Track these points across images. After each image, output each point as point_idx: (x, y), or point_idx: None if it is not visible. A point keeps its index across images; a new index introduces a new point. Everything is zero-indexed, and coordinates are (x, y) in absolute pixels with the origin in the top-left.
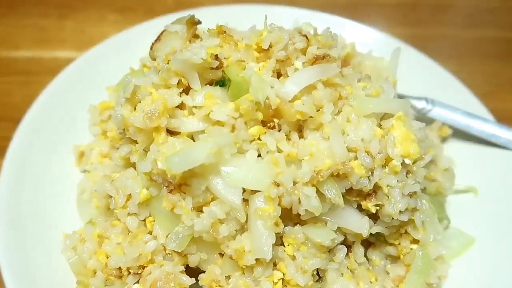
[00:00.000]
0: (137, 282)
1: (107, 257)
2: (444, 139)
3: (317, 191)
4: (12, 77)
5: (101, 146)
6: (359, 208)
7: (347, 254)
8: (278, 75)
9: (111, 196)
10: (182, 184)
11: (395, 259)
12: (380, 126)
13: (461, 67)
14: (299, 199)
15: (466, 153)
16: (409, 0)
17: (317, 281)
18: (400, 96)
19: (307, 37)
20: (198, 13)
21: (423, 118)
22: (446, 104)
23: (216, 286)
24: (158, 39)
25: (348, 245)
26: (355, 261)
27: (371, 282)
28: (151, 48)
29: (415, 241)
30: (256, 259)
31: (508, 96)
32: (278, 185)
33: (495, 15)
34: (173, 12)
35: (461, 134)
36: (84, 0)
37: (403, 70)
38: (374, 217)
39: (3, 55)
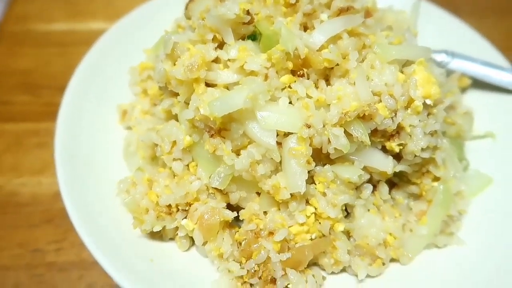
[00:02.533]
0: (185, 217)
1: (158, 197)
2: (463, 90)
3: (345, 132)
4: (50, 48)
5: (142, 104)
6: (384, 150)
7: (372, 192)
8: (305, 29)
9: (156, 145)
10: (222, 129)
11: (417, 197)
12: (402, 72)
13: (481, 24)
14: (328, 139)
15: (484, 101)
16: None
17: (345, 216)
18: None
19: None
20: None
21: (445, 72)
22: (465, 55)
23: (255, 218)
24: None
25: (373, 184)
26: (381, 198)
27: (395, 217)
28: (186, 8)
29: (436, 179)
30: (291, 194)
31: None
32: (309, 127)
33: None
34: None
35: (480, 84)
36: None
37: (423, 25)
38: (398, 158)
39: (40, 28)
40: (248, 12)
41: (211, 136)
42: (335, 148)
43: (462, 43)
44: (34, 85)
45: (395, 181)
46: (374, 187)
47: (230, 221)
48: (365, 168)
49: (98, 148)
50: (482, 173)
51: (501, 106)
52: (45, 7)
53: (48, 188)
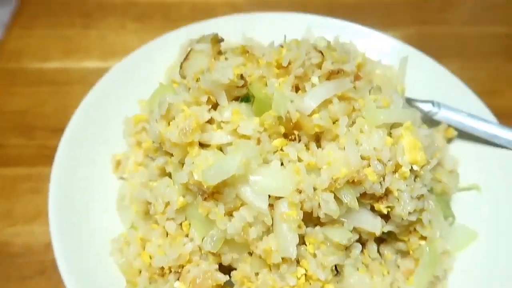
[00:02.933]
0: (178, 279)
1: (151, 258)
2: (449, 140)
3: (335, 196)
4: (44, 87)
5: (136, 155)
6: (372, 209)
7: (361, 250)
8: (297, 88)
9: (149, 203)
10: (215, 192)
11: (405, 253)
12: (390, 134)
13: (466, 65)
14: (319, 204)
15: (470, 153)
16: None
17: (335, 275)
18: (408, 100)
19: (322, 53)
20: (215, 22)
21: (430, 120)
22: (451, 107)
23: (247, 281)
24: (186, 58)
25: (362, 242)
26: (369, 256)
27: (383, 275)
28: (180, 67)
29: (423, 238)
30: (282, 258)
31: (511, 94)
32: (300, 192)
33: (499, 11)
34: (189, 19)
35: (465, 135)
36: (104, 9)
37: (411, 74)
38: (386, 217)
39: (34, 66)
40: (241, 77)
41: (205, 199)
42: (325, 213)
43: (448, 92)
44: (27, 126)
45: (384, 237)
46: (363, 244)
47: (222, 284)
48: (354, 229)
49: (92, 199)
50: (468, 228)
51: (486, 158)
52: (40, 44)
53: (41, 237)
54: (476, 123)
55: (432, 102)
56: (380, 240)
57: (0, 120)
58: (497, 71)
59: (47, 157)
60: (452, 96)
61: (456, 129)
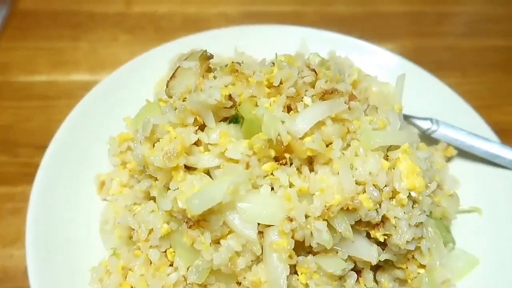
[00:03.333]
0: None
1: None
2: (449, 159)
3: (328, 225)
4: (31, 102)
5: (121, 176)
6: (368, 236)
7: (357, 279)
8: (288, 109)
9: (133, 229)
10: (200, 220)
11: (403, 282)
12: (387, 157)
13: (465, 79)
14: (311, 232)
15: (470, 173)
16: (412, 11)
17: None
18: (406, 117)
19: (315, 71)
20: (207, 35)
21: (429, 138)
22: (451, 125)
23: None
24: (173, 76)
25: (358, 270)
26: (365, 285)
27: None
28: (167, 86)
29: (422, 266)
30: None
31: (510, 107)
32: (291, 220)
33: (498, 23)
34: (181, 31)
35: (466, 154)
36: (95, 20)
37: (408, 89)
38: (383, 244)
39: (21, 79)
40: (230, 97)
41: (190, 227)
42: (318, 243)
43: (447, 108)
44: (12, 143)
45: (380, 264)
46: (359, 273)
47: None
48: (349, 257)
49: (74, 222)
50: (468, 253)
51: (487, 179)
52: (27, 55)
53: (20, 262)
54: (476, 141)
55: (431, 120)
56: (377, 267)
57: None
58: (496, 85)
59: (30, 176)
60: (451, 112)
61: (455, 147)
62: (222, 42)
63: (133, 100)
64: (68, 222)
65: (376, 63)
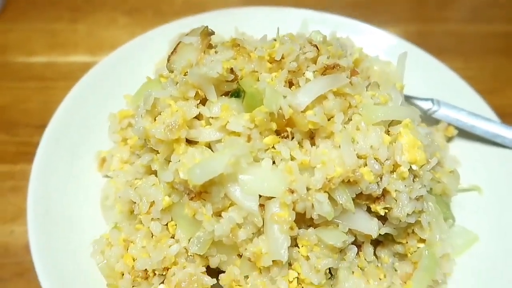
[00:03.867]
0: (162, 282)
1: (134, 260)
2: (449, 139)
3: (329, 197)
4: (29, 82)
5: (122, 152)
6: (369, 210)
7: (357, 253)
8: (290, 84)
9: (134, 202)
10: (202, 192)
11: (402, 256)
12: (388, 132)
13: (467, 64)
14: (312, 204)
15: (471, 152)
16: None
17: (329, 279)
18: (407, 98)
19: (317, 47)
20: (207, 17)
21: (430, 118)
22: (452, 105)
23: (235, 285)
24: (174, 51)
25: (358, 244)
26: (365, 259)
27: (380, 279)
28: (168, 61)
29: (422, 240)
30: (273, 261)
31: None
32: (292, 192)
33: (501, 9)
34: (181, 14)
35: (466, 134)
36: (93, 3)
37: (410, 71)
38: (383, 218)
39: (19, 60)
40: (231, 70)
41: (191, 198)
42: (318, 214)
43: (448, 90)
44: (11, 122)
45: (380, 239)
46: (359, 247)
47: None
48: (349, 231)
49: (74, 198)
50: (468, 230)
51: (488, 158)
52: (25, 37)
53: (20, 237)
54: (477, 121)
55: (432, 100)
56: (377, 242)
57: None
58: (499, 70)
59: (30, 155)
60: (453, 94)
61: (456, 127)
62: (222, 23)
63: (133, 79)
64: (69, 198)
65: (378, 44)
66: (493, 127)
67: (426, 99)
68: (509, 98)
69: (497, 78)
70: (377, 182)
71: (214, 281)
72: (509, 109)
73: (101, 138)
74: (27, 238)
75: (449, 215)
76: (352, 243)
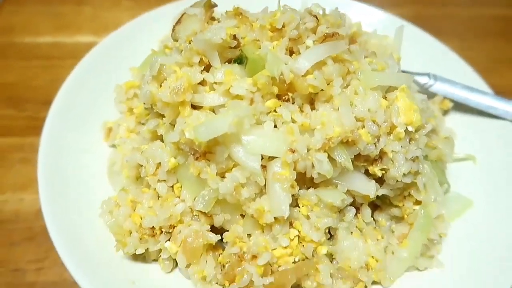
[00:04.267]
0: (169, 240)
1: (141, 219)
2: (445, 112)
3: (329, 157)
4: (36, 61)
5: (128, 122)
6: (367, 173)
7: (355, 214)
8: (291, 53)
9: (141, 166)
10: (206, 152)
11: (399, 219)
12: (385, 98)
13: (463, 45)
14: (312, 164)
15: (466, 124)
16: None
17: (328, 239)
18: (404, 72)
19: (317, 17)
20: None
21: (426, 92)
22: (447, 79)
23: (239, 241)
24: (178, 21)
25: (356, 207)
26: (363, 221)
27: (377, 240)
28: (172, 30)
29: (418, 203)
30: (275, 218)
31: (508, 73)
32: (293, 152)
33: None
34: None
35: (461, 107)
36: None
37: (406, 48)
38: (380, 182)
39: (26, 41)
40: (234, 37)
41: (196, 159)
42: (318, 173)
43: (444, 65)
44: (19, 98)
45: (378, 204)
46: (357, 209)
47: (213, 244)
48: (348, 192)
49: (82, 166)
50: (463, 196)
51: (481, 129)
52: (32, 19)
53: (30, 205)
54: (471, 94)
55: (428, 75)
56: (375, 207)
57: None
58: (495, 51)
59: (37, 128)
60: (448, 69)
61: (451, 100)
62: (224, 3)
63: (138, 55)
64: (77, 165)
65: (375, 23)
66: (487, 99)
67: (423, 74)
68: (506, 78)
69: (494, 59)
70: (374, 143)
71: (219, 237)
72: (503, 88)
73: (107, 110)
74: (36, 205)
75: (444, 180)
76: (351, 205)
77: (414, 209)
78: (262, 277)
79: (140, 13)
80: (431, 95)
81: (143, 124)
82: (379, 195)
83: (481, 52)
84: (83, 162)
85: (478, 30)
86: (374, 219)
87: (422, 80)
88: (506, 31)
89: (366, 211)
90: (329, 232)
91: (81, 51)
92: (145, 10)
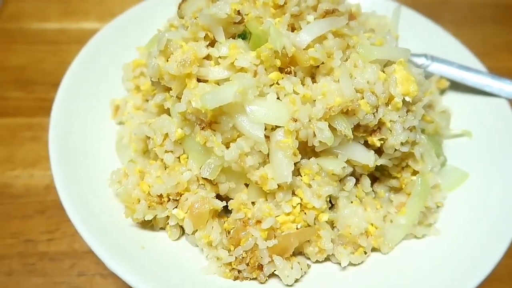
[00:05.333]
0: (176, 207)
1: (149, 187)
2: (442, 91)
3: (329, 126)
4: (43, 46)
5: (135, 99)
6: (366, 145)
7: (355, 185)
8: (292, 29)
9: (148, 138)
10: (212, 122)
11: (397, 190)
12: (383, 71)
13: (460, 31)
14: (314, 132)
15: (462, 102)
16: None
17: (330, 208)
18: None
19: None
20: None
21: (423, 73)
22: (444, 59)
23: (243, 208)
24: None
25: (356, 178)
26: (363, 190)
27: (376, 208)
28: (179, 8)
29: (415, 173)
30: (278, 185)
31: (503, 56)
32: (295, 121)
33: None
34: None
35: (458, 86)
36: None
37: (403, 30)
38: (379, 153)
39: (33, 26)
40: (238, 13)
41: (202, 128)
42: (320, 141)
43: (441, 47)
44: (27, 81)
45: (377, 176)
46: (357, 180)
47: (219, 211)
48: (348, 161)
49: (91, 142)
50: (459, 168)
51: (477, 106)
52: (39, 6)
53: (40, 180)
54: (467, 73)
55: (425, 55)
56: (374, 179)
57: (1, 75)
58: (489, 36)
59: (46, 109)
60: (444, 50)
61: (448, 80)
62: None
63: (144, 36)
64: (86, 141)
65: (373, 7)
66: (482, 78)
67: (420, 55)
68: (498, 61)
69: (489, 43)
70: (373, 113)
71: (224, 203)
72: (498, 70)
73: (115, 89)
74: (46, 181)
75: (441, 153)
76: (351, 176)
77: (411, 179)
78: (266, 241)
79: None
80: (429, 76)
81: (150, 101)
82: (378, 165)
83: (477, 37)
84: (92, 138)
85: (475, 16)
86: (373, 191)
87: (419, 61)
88: (502, 17)
89: (366, 181)
90: (330, 201)
91: (87, 37)
92: None
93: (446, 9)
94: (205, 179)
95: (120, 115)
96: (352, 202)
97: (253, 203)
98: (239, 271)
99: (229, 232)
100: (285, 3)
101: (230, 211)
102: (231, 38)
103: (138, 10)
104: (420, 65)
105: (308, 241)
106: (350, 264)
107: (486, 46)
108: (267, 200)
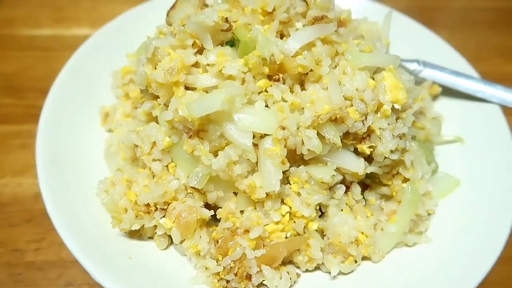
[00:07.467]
0: (163, 216)
1: (136, 196)
2: (434, 97)
3: (318, 134)
4: (35, 53)
5: (124, 106)
6: (356, 152)
7: (346, 192)
8: (281, 36)
9: (137, 146)
10: (200, 130)
11: (388, 198)
12: (373, 79)
13: (453, 35)
14: (302, 140)
15: (454, 108)
16: None
17: (320, 216)
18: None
19: (306, 2)
20: None
21: (415, 79)
22: (436, 65)
23: (232, 217)
24: (173, 7)
25: (346, 185)
26: (353, 198)
27: (367, 216)
28: (167, 15)
29: (406, 180)
30: (266, 194)
31: (497, 61)
32: (284, 129)
33: None
34: None
35: (450, 92)
36: None
37: (395, 35)
38: (369, 160)
39: (24, 33)
40: (226, 20)
41: (190, 137)
42: (308, 149)
43: (433, 53)
44: (17, 88)
45: (368, 183)
46: (347, 188)
47: (207, 220)
48: (338, 169)
49: (79, 149)
50: (451, 175)
51: (469, 112)
52: (31, 13)
53: (28, 188)
54: (459, 79)
55: (418, 61)
56: (364, 186)
57: None
58: (483, 41)
59: (36, 116)
60: (436, 56)
61: (440, 85)
62: None
63: (134, 43)
64: (75, 149)
65: (364, 12)
66: (474, 83)
67: (412, 61)
68: (492, 66)
69: (483, 47)
70: (362, 121)
71: (212, 212)
72: (491, 75)
73: (104, 96)
74: (34, 189)
75: (432, 160)
76: (341, 183)
77: (402, 187)
78: (254, 250)
79: (136, 6)
80: (421, 81)
81: (139, 108)
82: (368, 173)
83: (471, 42)
84: (81, 146)
85: (468, 21)
86: (364, 198)
87: (411, 66)
88: (495, 22)
89: (356, 188)
90: (320, 209)
91: (79, 44)
92: (141, 3)
93: (440, 14)
94: (193, 188)
95: (109, 122)
96: (342, 210)
97: (242, 211)
98: (227, 281)
99: (217, 242)
100: (273, 10)
101: (219, 220)
102: (219, 46)
103: (129, 17)
104: (412, 71)
105: (298, 250)
106: (340, 273)
107: (479, 51)
108: (256, 208)
